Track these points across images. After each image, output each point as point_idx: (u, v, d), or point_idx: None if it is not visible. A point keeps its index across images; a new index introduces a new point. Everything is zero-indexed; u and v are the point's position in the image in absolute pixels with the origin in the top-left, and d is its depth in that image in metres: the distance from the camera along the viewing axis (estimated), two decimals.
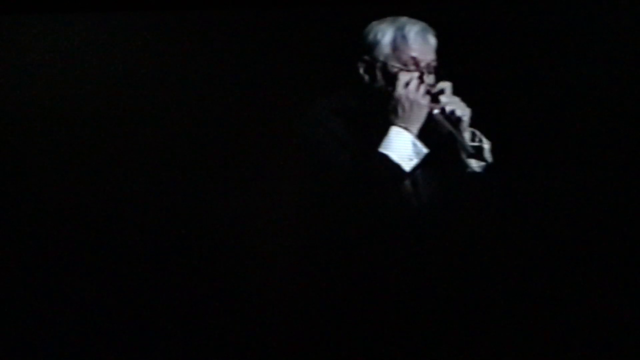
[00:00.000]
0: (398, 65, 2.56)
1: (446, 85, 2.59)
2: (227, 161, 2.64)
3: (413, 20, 2.59)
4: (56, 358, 2.65)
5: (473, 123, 2.60)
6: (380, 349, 2.60)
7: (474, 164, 2.61)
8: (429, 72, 2.58)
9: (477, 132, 2.61)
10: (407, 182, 2.58)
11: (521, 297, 2.61)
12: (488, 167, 2.61)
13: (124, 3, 2.64)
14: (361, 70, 2.59)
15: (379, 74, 2.58)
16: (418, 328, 2.59)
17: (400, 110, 2.55)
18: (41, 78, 2.67)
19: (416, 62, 2.56)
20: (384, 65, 2.57)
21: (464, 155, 2.59)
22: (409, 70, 2.56)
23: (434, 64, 2.58)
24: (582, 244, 2.61)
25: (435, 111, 2.58)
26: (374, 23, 2.60)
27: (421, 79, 2.55)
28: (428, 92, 2.56)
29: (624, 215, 2.62)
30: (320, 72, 2.61)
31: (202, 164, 2.65)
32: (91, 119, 2.66)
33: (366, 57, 2.59)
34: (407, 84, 2.55)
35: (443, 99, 2.58)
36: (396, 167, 2.55)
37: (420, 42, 2.57)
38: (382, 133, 2.56)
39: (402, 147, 2.55)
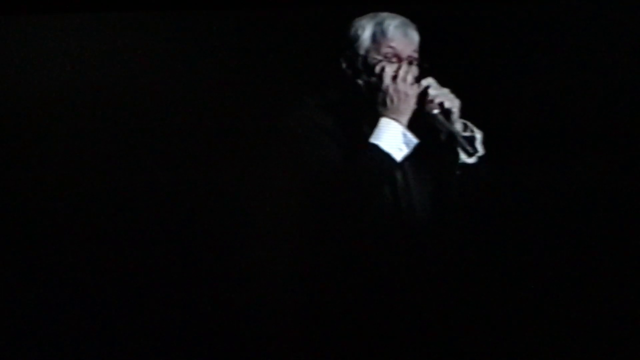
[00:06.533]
0: (378, 57, 2.56)
1: (430, 80, 2.56)
2: (216, 160, 2.61)
3: (393, 15, 2.59)
4: (56, 358, 2.61)
5: (465, 114, 2.56)
6: (377, 345, 2.55)
7: (466, 155, 2.56)
8: (410, 65, 2.56)
9: (469, 124, 2.58)
10: (398, 173, 2.56)
11: (514, 290, 2.56)
12: (480, 158, 2.57)
13: (122, 3, 2.66)
14: (344, 65, 2.59)
15: (361, 68, 2.57)
16: (411, 321, 2.55)
17: (389, 102, 2.54)
18: (41, 78, 2.65)
19: (396, 55, 2.56)
20: (365, 59, 2.57)
21: (464, 156, 2.56)
22: (390, 62, 2.55)
23: (415, 55, 2.57)
24: (575, 235, 2.56)
25: (435, 111, 2.54)
26: (356, 19, 2.60)
27: (405, 70, 2.54)
28: (417, 80, 2.55)
29: (620, 209, 2.57)
30: (308, 69, 2.61)
31: (191, 161, 2.62)
32: (91, 119, 2.64)
33: (347, 52, 2.59)
34: (394, 75, 2.54)
35: (432, 91, 2.55)
36: (386, 156, 2.53)
37: (399, 35, 2.57)
38: (372, 126, 2.55)
39: (392, 137, 2.53)
